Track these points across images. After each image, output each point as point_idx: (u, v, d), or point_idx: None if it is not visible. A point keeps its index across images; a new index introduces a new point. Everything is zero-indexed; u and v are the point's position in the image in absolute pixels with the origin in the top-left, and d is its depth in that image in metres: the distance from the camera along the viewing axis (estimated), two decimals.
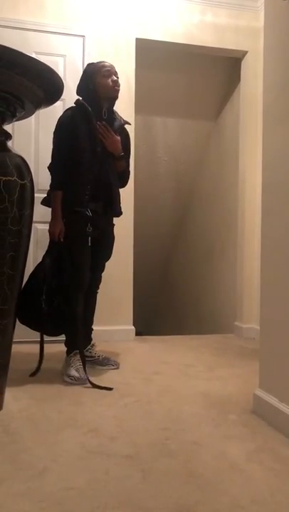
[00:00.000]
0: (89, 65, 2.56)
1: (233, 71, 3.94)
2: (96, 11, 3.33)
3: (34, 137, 3.23)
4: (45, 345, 2.35)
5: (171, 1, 3.47)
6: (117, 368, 2.60)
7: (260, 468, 1.48)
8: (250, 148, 3.65)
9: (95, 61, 2.57)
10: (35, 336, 2.78)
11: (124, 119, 2.62)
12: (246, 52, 3.65)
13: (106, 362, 2.62)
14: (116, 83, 2.49)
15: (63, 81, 1.99)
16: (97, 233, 2.45)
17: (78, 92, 2.50)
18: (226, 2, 3.55)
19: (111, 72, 2.49)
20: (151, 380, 2.41)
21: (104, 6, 3.34)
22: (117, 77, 2.51)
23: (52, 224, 2.41)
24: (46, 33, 3.21)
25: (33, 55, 2.93)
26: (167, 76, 4.00)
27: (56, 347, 2.64)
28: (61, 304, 2.31)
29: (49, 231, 2.41)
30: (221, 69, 4.06)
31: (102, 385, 2.24)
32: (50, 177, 2.45)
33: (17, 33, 3.14)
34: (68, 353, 2.46)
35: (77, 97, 2.48)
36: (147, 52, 3.52)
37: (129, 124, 2.64)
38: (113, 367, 2.61)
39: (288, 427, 1.69)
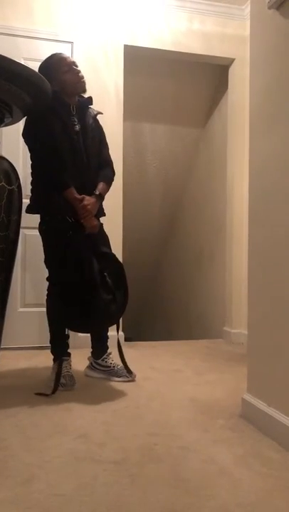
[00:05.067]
0: (46, 61, 2.35)
1: (221, 78, 3.98)
2: (84, 17, 3.35)
3: (22, 143, 3.20)
4: (34, 351, 2.33)
5: (159, 8, 3.50)
6: (133, 381, 2.43)
7: (248, 473, 1.48)
8: (238, 154, 3.68)
9: (82, 67, 2.43)
10: (23, 342, 2.75)
11: (98, 111, 2.45)
12: (233, 59, 3.69)
13: (121, 373, 2.45)
14: (79, 75, 2.31)
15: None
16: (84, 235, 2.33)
17: None
18: (213, 10, 3.60)
19: (70, 63, 2.31)
20: (140, 385, 2.41)
21: (92, 12, 3.36)
22: (77, 66, 2.33)
23: (87, 221, 2.26)
24: (35, 39, 3.22)
25: (22, 61, 2.91)
26: (156, 83, 4.03)
27: (44, 353, 2.63)
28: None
29: (87, 226, 2.27)
30: (209, 76, 4.10)
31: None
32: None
33: (6, 39, 3.15)
34: (55, 360, 2.42)
35: None
36: (136, 58, 3.55)
37: (101, 113, 2.48)
38: (127, 379, 2.43)
39: (276, 431, 1.70)
